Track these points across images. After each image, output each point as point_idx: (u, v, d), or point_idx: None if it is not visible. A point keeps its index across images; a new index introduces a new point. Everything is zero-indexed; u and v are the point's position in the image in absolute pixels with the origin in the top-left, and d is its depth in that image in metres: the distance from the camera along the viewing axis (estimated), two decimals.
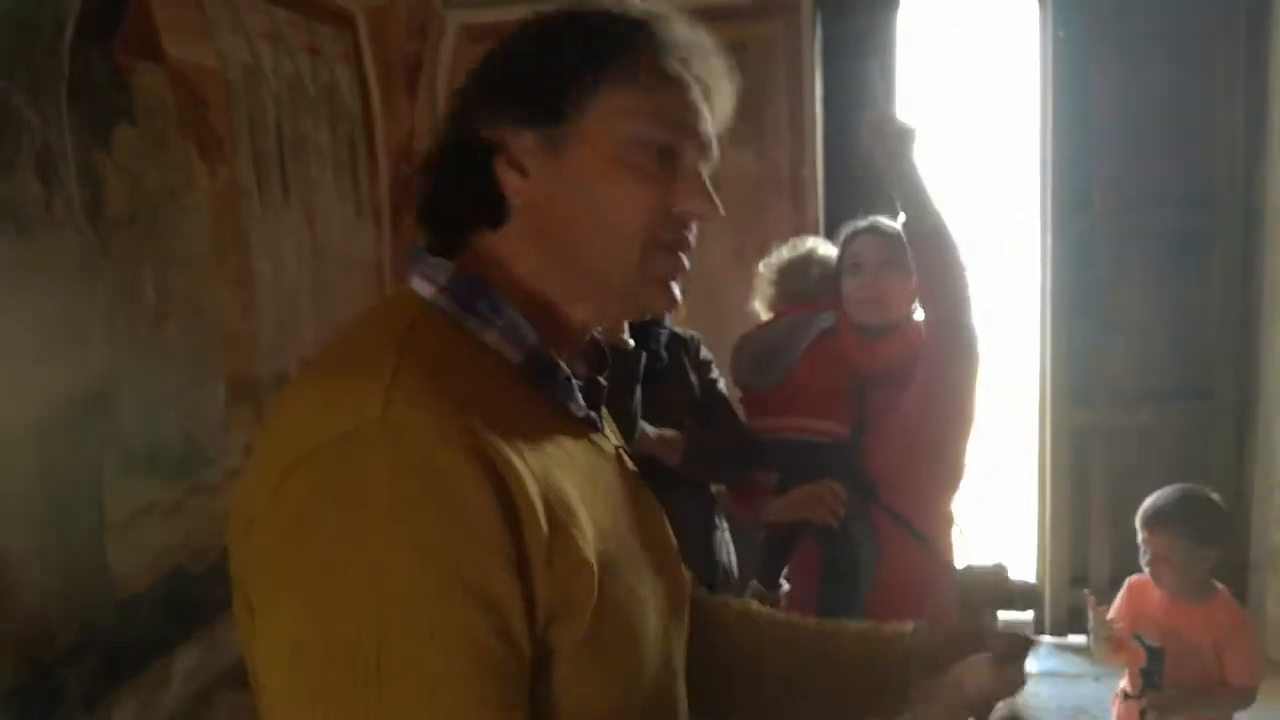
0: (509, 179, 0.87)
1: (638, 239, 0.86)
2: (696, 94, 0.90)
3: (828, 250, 2.38)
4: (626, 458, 1.00)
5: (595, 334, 1.00)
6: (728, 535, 2.31)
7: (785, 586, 2.35)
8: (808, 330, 2.26)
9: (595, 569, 0.78)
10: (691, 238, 0.90)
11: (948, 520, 2.22)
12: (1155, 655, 2.33)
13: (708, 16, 2.97)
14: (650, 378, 2.06)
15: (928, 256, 2.04)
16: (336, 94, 2.74)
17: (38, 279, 1.59)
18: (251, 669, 0.78)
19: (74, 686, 1.65)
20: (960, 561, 2.22)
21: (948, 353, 2.08)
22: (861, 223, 2.28)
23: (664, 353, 2.18)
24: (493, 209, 0.88)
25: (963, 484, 2.23)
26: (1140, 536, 2.42)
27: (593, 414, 0.94)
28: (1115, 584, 3.66)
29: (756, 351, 2.32)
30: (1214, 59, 3.54)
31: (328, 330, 2.59)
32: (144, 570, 1.81)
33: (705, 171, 0.91)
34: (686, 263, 0.91)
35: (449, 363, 0.81)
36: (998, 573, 2.18)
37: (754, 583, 2.30)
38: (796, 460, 2.21)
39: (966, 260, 2.05)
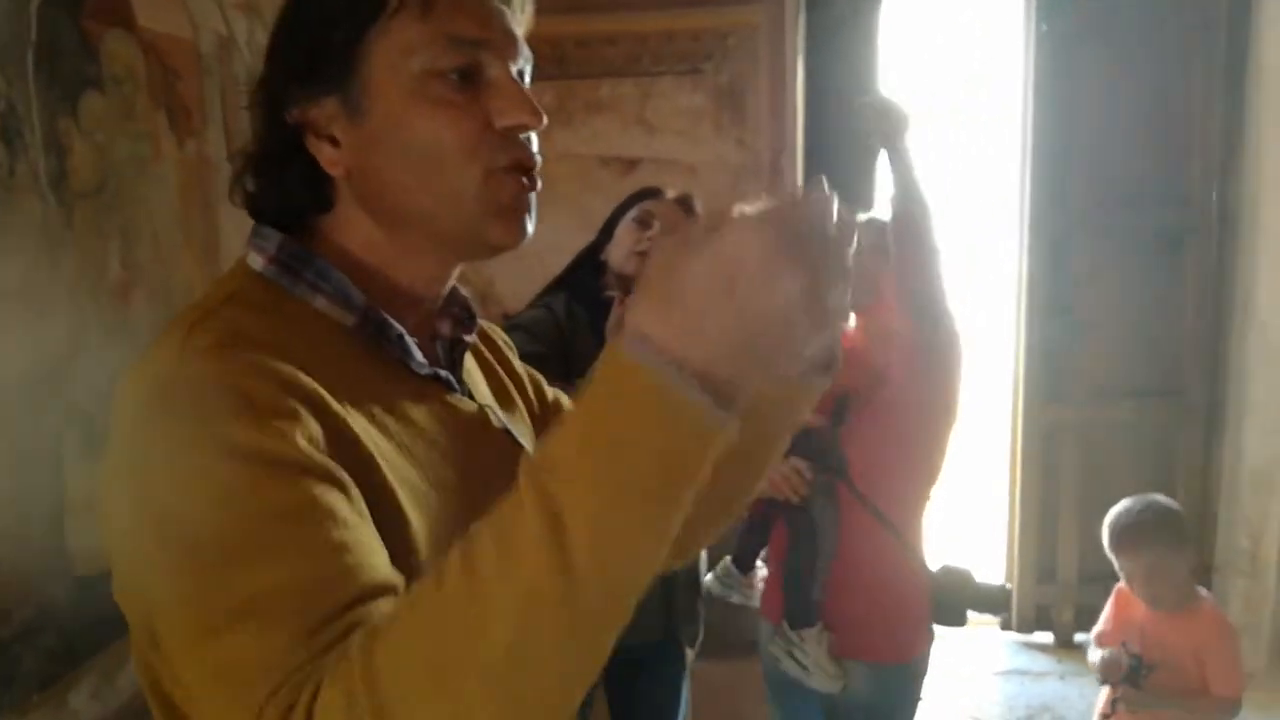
0: (323, 152, 0.85)
1: (468, 171, 0.83)
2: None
3: None
4: (493, 417, 0.97)
5: (459, 290, 0.98)
6: None
7: (762, 569, 2.35)
8: None
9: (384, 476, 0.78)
10: (531, 150, 0.86)
11: (920, 513, 2.23)
12: (1137, 662, 2.35)
13: (693, 3, 2.96)
14: None
15: (911, 239, 2.04)
16: None
17: None
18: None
19: (29, 664, 1.62)
20: (931, 558, 2.23)
21: (928, 343, 2.08)
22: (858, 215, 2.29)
23: None
24: (318, 190, 0.87)
25: (939, 479, 2.23)
26: (1110, 554, 2.44)
27: (442, 371, 0.92)
28: (1084, 581, 3.71)
29: None
30: (1194, 58, 3.56)
31: None
32: (103, 550, 1.77)
33: (516, 70, 0.86)
34: (535, 181, 0.87)
35: (268, 328, 0.79)
36: (968, 574, 2.21)
37: (726, 560, 2.31)
38: None
39: (946, 248, 2.05)
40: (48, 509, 1.64)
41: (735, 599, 2.32)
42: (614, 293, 2.06)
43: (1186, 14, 3.54)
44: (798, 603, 2.19)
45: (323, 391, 0.76)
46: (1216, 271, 3.64)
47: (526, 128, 0.85)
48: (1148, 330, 3.70)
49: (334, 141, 0.85)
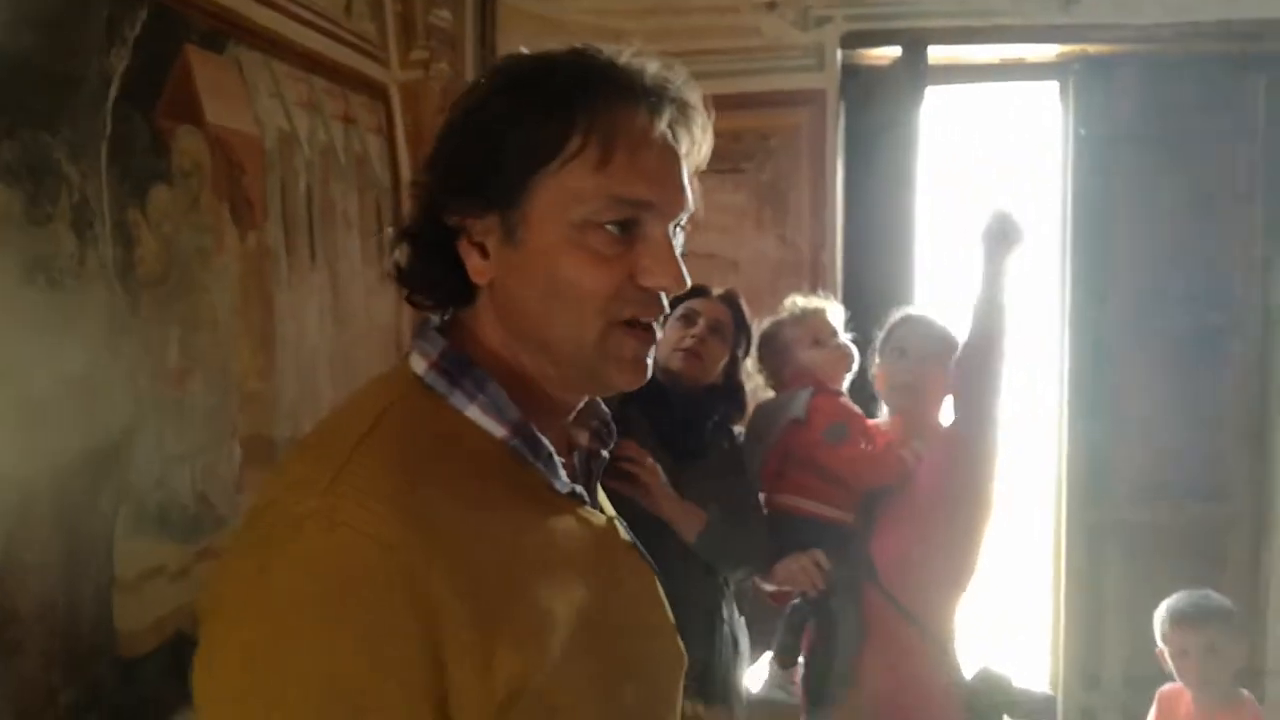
0: (471, 260, 0.88)
1: (594, 322, 0.85)
2: (658, 146, 0.87)
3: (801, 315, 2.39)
4: (622, 530, 0.98)
5: (599, 404, 0.99)
6: (735, 613, 2.27)
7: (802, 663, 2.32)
8: (783, 414, 2.27)
9: (542, 672, 0.77)
10: (661, 307, 0.89)
11: (951, 614, 2.19)
12: None
13: (736, 105, 3.04)
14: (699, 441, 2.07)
15: (977, 355, 2.05)
16: (366, 163, 2.78)
17: (66, 332, 1.60)
18: None
19: None
20: (967, 663, 2.19)
21: (971, 448, 2.07)
22: (912, 309, 2.32)
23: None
24: (460, 287, 0.89)
25: (972, 580, 2.20)
26: (1164, 638, 2.39)
27: (579, 489, 0.92)
28: (1129, 684, 3.61)
29: (749, 428, 2.34)
30: (1233, 159, 3.58)
31: (345, 393, 2.59)
32: (150, 632, 1.79)
33: (675, 226, 0.88)
34: (657, 333, 0.90)
35: (423, 443, 0.81)
36: (1007, 680, 2.16)
37: (769, 658, 2.28)
38: (793, 536, 2.21)
39: (1008, 373, 2.06)
40: (98, 590, 1.66)
41: (780, 696, 2.29)
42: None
43: (1223, 117, 3.57)
44: (816, 696, 2.17)
45: (465, 530, 0.77)
46: (1260, 371, 3.61)
47: (669, 291, 0.88)
48: (1191, 431, 3.65)
49: (484, 251, 0.87)
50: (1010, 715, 2.15)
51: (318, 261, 2.46)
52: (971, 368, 2.10)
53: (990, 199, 2.15)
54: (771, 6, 3.32)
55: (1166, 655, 2.43)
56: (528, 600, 0.79)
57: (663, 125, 0.87)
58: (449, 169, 0.88)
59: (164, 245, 1.85)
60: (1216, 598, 2.43)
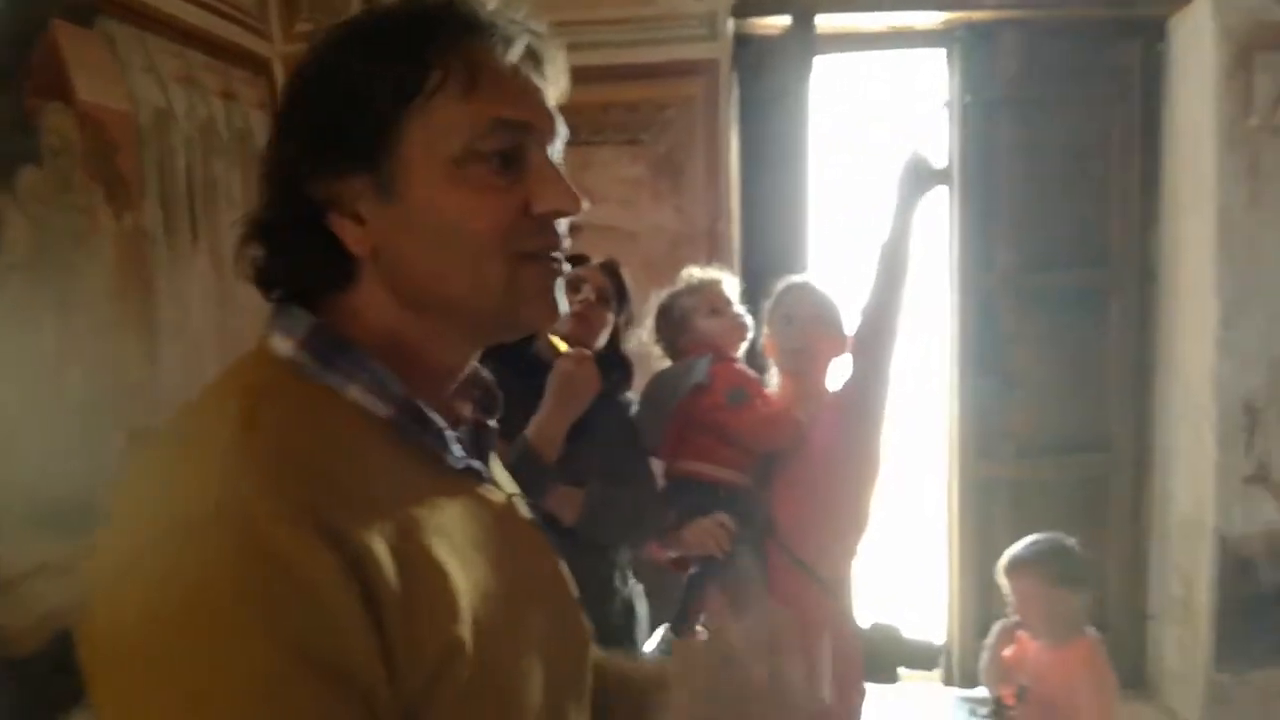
0: (346, 231, 0.81)
1: (494, 262, 0.80)
2: (523, 73, 0.83)
3: (697, 285, 2.42)
4: (520, 506, 0.95)
5: (480, 371, 0.95)
6: (633, 584, 2.29)
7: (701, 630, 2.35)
8: (685, 380, 2.30)
9: (466, 643, 0.74)
10: (561, 234, 0.84)
11: (848, 568, 2.26)
12: (1021, 693, 2.43)
13: (631, 75, 3.03)
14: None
15: (881, 305, 2.10)
16: (250, 140, 2.71)
17: None
18: None
19: None
20: (861, 616, 2.26)
21: (861, 407, 2.13)
22: (796, 278, 2.36)
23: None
24: (338, 267, 0.83)
25: (865, 534, 2.27)
26: (1006, 583, 2.52)
27: (474, 463, 0.88)
28: None
29: (645, 397, 2.36)
30: (1110, 124, 3.71)
31: None
32: (35, 631, 1.73)
33: (554, 151, 0.85)
34: (563, 265, 0.86)
35: (302, 427, 0.76)
36: (897, 631, 2.24)
37: (665, 627, 2.31)
38: (694, 501, 2.24)
39: (905, 323, 2.11)
40: None
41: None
42: (543, 354, 2.07)
43: (1101, 81, 3.69)
44: None
45: (360, 505, 0.73)
46: (1139, 327, 3.76)
47: (565, 214, 0.83)
48: (1075, 386, 3.80)
49: (359, 219, 0.81)
50: (902, 664, 2.23)
51: (200, 242, 2.39)
52: (875, 316, 2.15)
53: (903, 145, 2.18)
54: None
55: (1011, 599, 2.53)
56: (441, 569, 0.75)
57: (518, 52, 0.83)
58: (304, 137, 0.81)
59: (34, 227, 1.78)
60: (1046, 544, 2.53)
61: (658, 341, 2.42)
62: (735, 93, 3.46)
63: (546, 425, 1.96)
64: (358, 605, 0.68)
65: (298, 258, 0.83)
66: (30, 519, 1.73)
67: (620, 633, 2.16)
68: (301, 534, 0.67)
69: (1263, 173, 3.31)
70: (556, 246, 0.84)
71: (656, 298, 2.43)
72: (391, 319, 0.83)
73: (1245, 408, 3.36)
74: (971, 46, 3.69)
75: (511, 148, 0.81)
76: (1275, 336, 3.34)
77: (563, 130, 0.86)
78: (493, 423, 0.95)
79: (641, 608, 2.27)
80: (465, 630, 0.75)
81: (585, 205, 0.84)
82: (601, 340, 2.24)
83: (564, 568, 0.98)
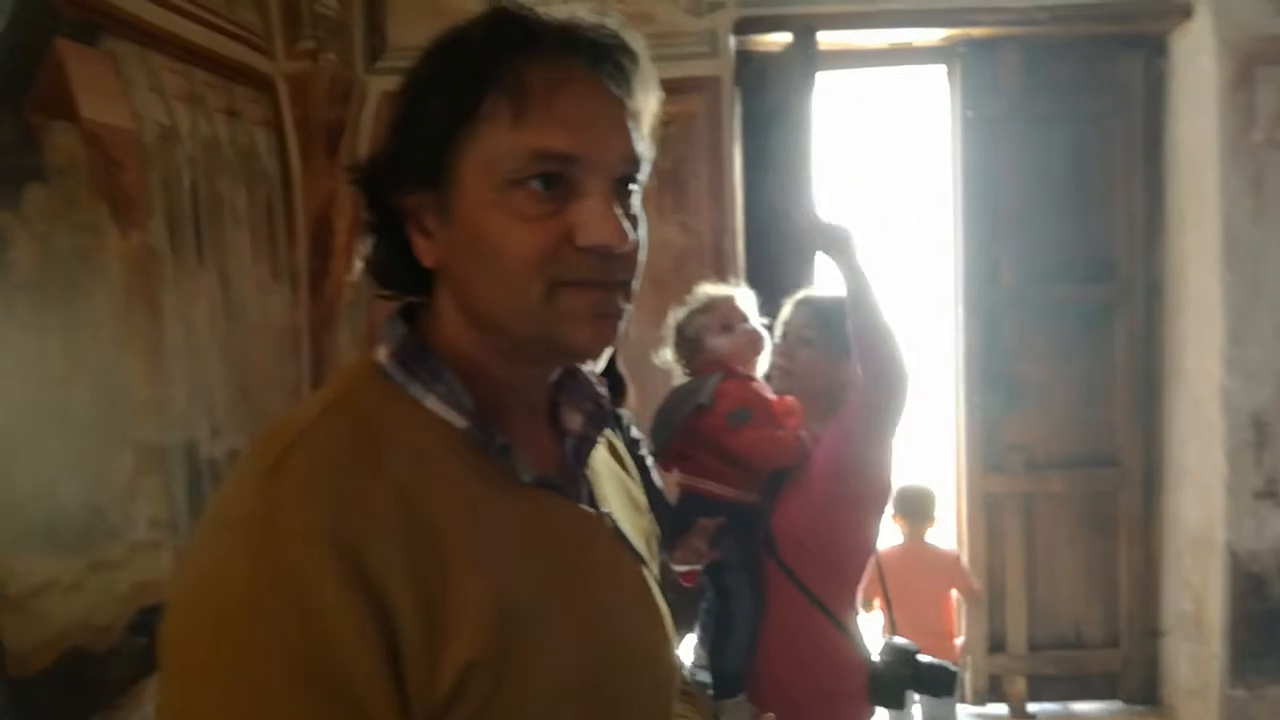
0: (417, 242, 0.85)
1: (532, 286, 0.80)
2: (579, 93, 0.81)
3: (710, 303, 2.42)
4: (608, 520, 0.93)
5: (594, 384, 0.95)
6: None
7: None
8: (691, 398, 2.29)
9: (487, 665, 0.74)
10: (607, 269, 0.82)
11: (851, 590, 2.22)
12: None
13: None
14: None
15: (869, 347, 2.06)
16: (255, 157, 2.71)
17: None
18: None
19: None
20: (870, 637, 2.23)
21: (861, 429, 2.09)
22: (800, 294, 2.34)
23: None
24: (417, 274, 0.86)
25: (869, 556, 2.23)
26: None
27: (552, 479, 0.88)
28: (1034, 650, 3.73)
29: (657, 412, 2.36)
30: (1114, 139, 3.72)
31: (239, 397, 2.52)
32: (42, 650, 1.71)
33: (616, 177, 0.82)
34: (615, 299, 0.83)
35: (370, 432, 0.78)
36: (910, 652, 2.19)
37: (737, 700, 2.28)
38: (700, 516, 2.24)
39: (904, 351, 2.08)
40: None
41: (705, 679, 2.29)
42: None
43: (1104, 95, 3.70)
44: (717, 672, 2.19)
45: (409, 518, 0.74)
46: (1145, 341, 3.75)
47: (607, 249, 0.80)
48: (1083, 400, 3.79)
49: (428, 234, 0.84)
50: (915, 689, 2.17)
51: (205, 259, 2.38)
52: (866, 357, 2.11)
53: (804, 205, 2.17)
54: None
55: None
56: (478, 588, 0.75)
57: (583, 69, 0.81)
58: (384, 151, 0.85)
59: (40, 246, 1.77)
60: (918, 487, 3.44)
61: (676, 360, 2.43)
62: (738, 109, 3.47)
63: None
64: (369, 625, 0.69)
65: (385, 260, 0.87)
66: (38, 537, 1.72)
67: None
68: (319, 550, 0.69)
69: (1266, 187, 3.32)
70: (599, 278, 0.82)
71: (673, 316, 2.43)
72: (461, 332, 0.85)
73: (1254, 422, 3.35)
74: (973, 62, 3.70)
75: (556, 175, 0.79)
76: None
77: (632, 153, 0.83)
78: (598, 436, 0.95)
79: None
80: (489, 650, 0.74)
81: (631, 239, 0.82)
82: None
83: (654, 590, 0.96)
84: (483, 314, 0.83)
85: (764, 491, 2.27)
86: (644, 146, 0.85)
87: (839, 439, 2.13)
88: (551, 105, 0.79)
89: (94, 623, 1.86)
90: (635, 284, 0.85)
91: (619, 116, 0.83)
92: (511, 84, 0.79)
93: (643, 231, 0.85)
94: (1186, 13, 3.43)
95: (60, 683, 1.73)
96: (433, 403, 0.82)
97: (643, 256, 0.86)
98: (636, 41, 0.85)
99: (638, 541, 0.98)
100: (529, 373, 0.89)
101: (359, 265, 0.90)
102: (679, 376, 2.44)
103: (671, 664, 0.97)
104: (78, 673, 1.79)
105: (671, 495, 2.31)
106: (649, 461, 2.26)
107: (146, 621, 1.98)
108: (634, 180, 0.84)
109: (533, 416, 0.91)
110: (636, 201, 0.85)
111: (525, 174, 0.79)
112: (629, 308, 0.85)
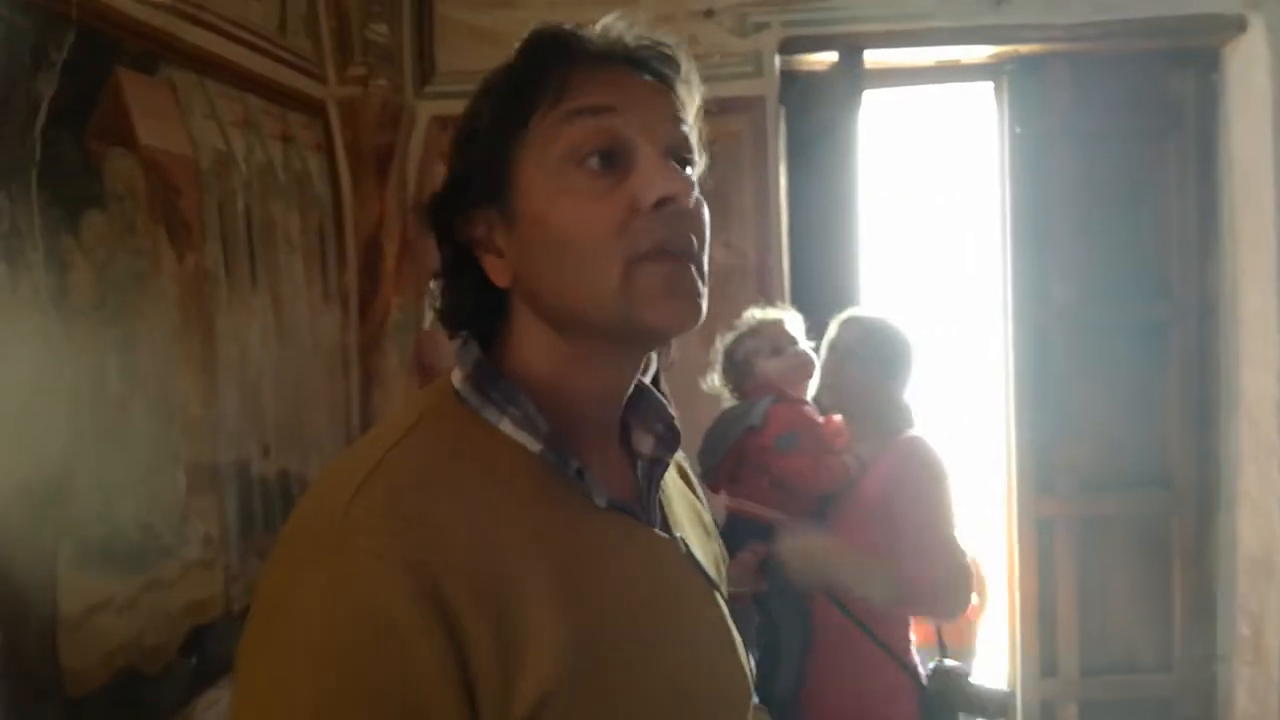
0: (491, 264, 0.85)
1: (608, 265, 0.79)
2: (620, 69, 0.83)
3: (759, 326, 2.41)
4: (681, 545, 0.92)
5: (665, 406, 0.94)
6: None
7: None
8: (742, 421, 2.29)
9: (560, 693, 0.73)
10: (678, 230, 0.81)
11: (901, 615, 2.19)
12: None
13: None
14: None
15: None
16: (307, 181, 2.75)
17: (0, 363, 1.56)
18: None
19: None
20: (922, 663, 2.20)
21: (917, 459, 2.07)
22: (846, 313, 2.33)
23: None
24: (490, 300, 0.87)
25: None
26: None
27: (626, 504, 0.87)
28: (1086, 675, 3.66)
29: (707, 434, 2.36)
30: (1166, 155, 3.66)
31: (290, 416, 2.56)
32: (98, 668, 1.74)
33: (668, 149, 0.83)
34: (690, 273, 0.82)
35: (447, 457, 0.78)
36: (962, 676, 2.16)
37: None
38: (748, 539, 2.23)
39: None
40: (40, 626, 1.62)
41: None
42: None
43: (1155, 111, 3.65)
44: (766, 698, 2.18)
45: (482, 555, 0.74)
46: (1199, 360, 3.68)
47: (672, 200, 0.80)
48: (1136, 421, 3.72)
49: (499, 253, 0.85)
50: (967, 713, 2.14)
51: (259, 283, 2.43)
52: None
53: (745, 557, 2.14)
54: (709, 15, 3.34)
55: None
56: (552, 617, 0.74)
57: (624, 65, 0.84)
58: (448, 181, 0.87)
59: (99, 271, 1.81)
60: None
61: (725, 384, 2.43)
62: (783, 128, 3.46)
63: None
64: (443, 650, 0.69)
65: (461, 298, 0.88)
66: (93, 556, 1.75)
67: None
68: (394, 573, 0.69)
69: None
70: (676, 239, 0.81)
71: (721, 340, 2.43)
72: (544, 347, 0.85)
73: None
74: (1020, 79, 3.66)
75: (610, 146, 0.80)
76: None
77: (679, 129, 0.85)
78: (669, 458, 0.94)
79: None
80: (564, 682, 0.74)
81: (694, 192, 0.82)
82: None
83: (726, 616, 0.96)
84: (561, 310, 0.83)
85: (813, 517, 2.26)
86: (692, 134, 0.86)
87: (892, 463, 2.12)
88: (593, 77, 0.82)
89: (147, 642, 1.89)
90: (705, 260, 0.85)
91: (662, 92, 0.85)
92: (556, 85, 0.81)
93: (705, 214, 0.86)
94: (1240, 27, 3.37)
95: (114, 701, 1.76)
96: (507, 426, 0.82)
97: (708, 235, 0.86)
98: (675, 43, 0.87)
99: (709, 567, 0.97)
100: (609, 377, 0.88)
101: (429, 316, 0.90)
102: (726, 399, 2.44)
103: (746, 692, 0.96)
104: (131, 691, 1.82)
105: (719, 517, 2.31)
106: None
107: (198, 641, 2.01)
108: (688, 163, 0.85)
109: (605, 439, 0.91)
110: (694, 185, 0.85)
111: (580, 153, 0.80)
112: (705, 290, 0.84)
